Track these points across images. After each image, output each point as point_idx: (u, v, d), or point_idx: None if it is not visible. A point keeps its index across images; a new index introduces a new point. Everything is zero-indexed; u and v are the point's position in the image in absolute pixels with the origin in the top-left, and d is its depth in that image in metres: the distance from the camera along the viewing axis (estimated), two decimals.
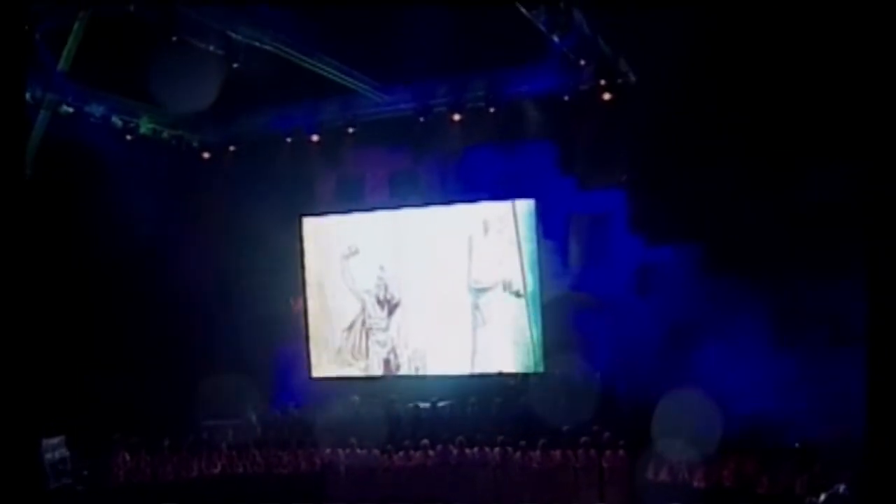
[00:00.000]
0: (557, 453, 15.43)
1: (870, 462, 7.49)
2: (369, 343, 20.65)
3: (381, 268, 20.45)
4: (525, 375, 18.79)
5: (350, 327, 20.77)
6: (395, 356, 20.38)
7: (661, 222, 17.50)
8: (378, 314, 20.59)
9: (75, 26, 16.12)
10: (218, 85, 16.29)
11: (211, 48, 14.85)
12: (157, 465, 16.73)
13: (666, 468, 14.62)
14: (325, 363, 20.91)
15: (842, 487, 12.06)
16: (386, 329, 20.53)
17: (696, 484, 14.34)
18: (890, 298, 7.12)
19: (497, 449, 15.81)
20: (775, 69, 14.86)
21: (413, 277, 20.22)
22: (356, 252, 20.64)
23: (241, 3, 13.87)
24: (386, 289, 20.46)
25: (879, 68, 7.54)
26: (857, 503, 11.76)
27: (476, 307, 19.60)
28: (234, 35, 14.60)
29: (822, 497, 12.16)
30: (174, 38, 13.97)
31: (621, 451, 15.15)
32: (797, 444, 14.45)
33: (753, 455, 14.41)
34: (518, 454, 15.65)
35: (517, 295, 19.19)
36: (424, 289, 20.09)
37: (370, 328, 20.66)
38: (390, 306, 20.48)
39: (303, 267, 20.92)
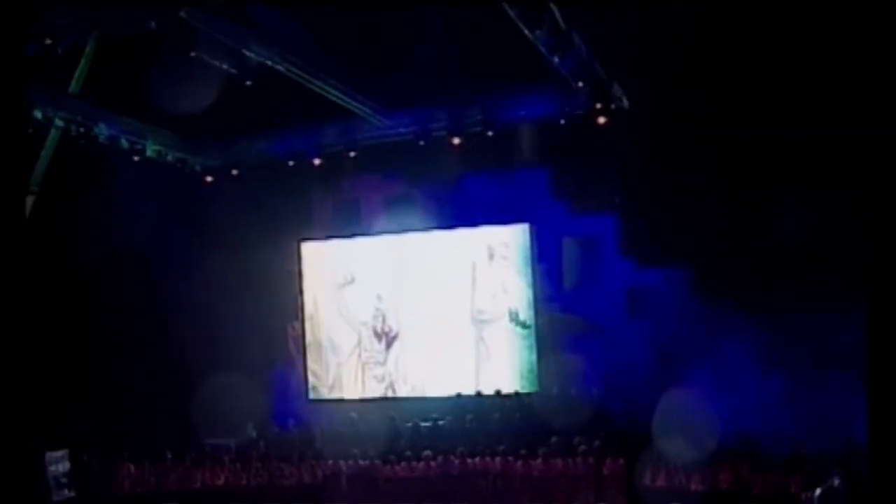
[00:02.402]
0: (558, 461, 15.54)
1: (872, 467, 7.67)
2: (366, 378, 20.10)
3: (379, 297, 19.98)
4: (518, 394, 18.57)
5: (346, 361, 20.29)
6: (393, 391, 19.83)
7: (651, 246, 17.79)
8: (375, 347, 20.02)
9: (87, 47, 16.63)
10: (225, 105, 16.64)
11: (224, 66, 15.28)
12: (161, 476, 16.77)
13: (663, 473, 14.86)
14: (320, 390, 20.56)
15: (836, 481, 12.24)
16: (383, 363, 19.98)
17: (693, 487, 14.59)
18: (889, 315, 7.35)
19: (498, 458, 15.88)
20: (767, 95, 15.20)
21: (412, 308, 19.70)
22: (352, 281, 20.21)
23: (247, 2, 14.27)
24: (384, 320, 19.95)
25: (869, 94, 7.90)
26: (852, 497, 12.04)
27: (480, 339, 19.17)
28: (247, 53, 15.06)
29: (818, 492, 12.29)
30: (192, 54, 14.41)
31: (620, 459, 15.31)
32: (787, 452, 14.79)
33: (747, 461, 14.72)
34: (519, 463, 15.75)
35: (524, 326, 18.84)
36: (424, 320, 19.52)
37: (366, 362, 20.11)
38: (388, 339, 19.93)
39: (301, 293, 20.69)
